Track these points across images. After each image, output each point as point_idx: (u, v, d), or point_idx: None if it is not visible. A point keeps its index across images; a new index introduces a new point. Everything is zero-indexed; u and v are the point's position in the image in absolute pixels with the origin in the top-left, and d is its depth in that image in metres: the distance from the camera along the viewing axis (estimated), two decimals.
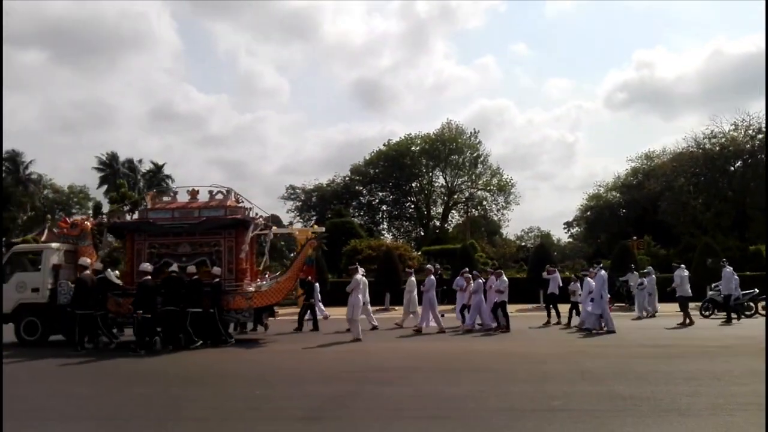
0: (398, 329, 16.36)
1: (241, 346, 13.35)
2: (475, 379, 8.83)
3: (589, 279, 15.73)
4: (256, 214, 14.91)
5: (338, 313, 18.93)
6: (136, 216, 16.21)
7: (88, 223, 14.82)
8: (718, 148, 41.42)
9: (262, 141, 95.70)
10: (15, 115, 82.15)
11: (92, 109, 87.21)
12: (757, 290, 18.94)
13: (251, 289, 14.00)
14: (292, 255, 14.46)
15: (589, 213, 52.90)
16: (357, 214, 56.03)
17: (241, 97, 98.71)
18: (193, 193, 14.95)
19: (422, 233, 55.74)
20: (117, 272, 15.79)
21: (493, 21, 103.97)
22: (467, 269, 17.51)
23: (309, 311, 16.99)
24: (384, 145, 56.39)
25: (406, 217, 58.70)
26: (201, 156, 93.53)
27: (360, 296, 14.09)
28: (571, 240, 65.46)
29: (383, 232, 56.61)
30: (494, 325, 15.56)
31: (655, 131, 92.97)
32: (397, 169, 54.19)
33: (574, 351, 11.63)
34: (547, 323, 17.02)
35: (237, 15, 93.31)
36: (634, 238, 36.15)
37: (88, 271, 13.19)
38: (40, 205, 51.76)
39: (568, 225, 62.58)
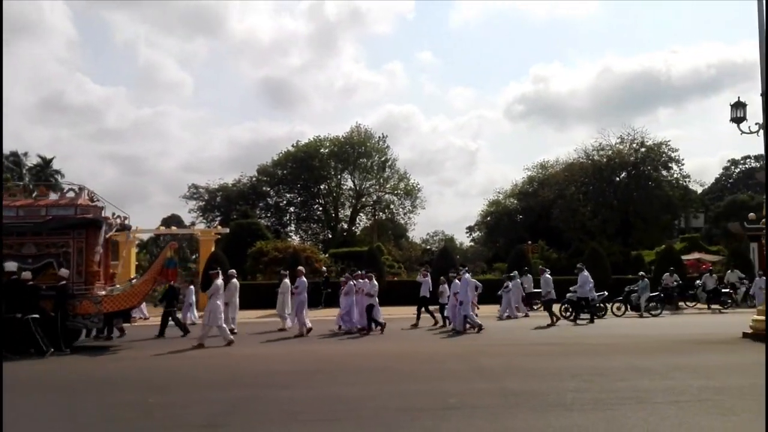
0: (282, 332, 16.17)
1: (110, 353, 12.70)
2: (373, 379, 8.91)
3: (456, 281, 16.29)
4: (113, 214, 14.43)
5: (241, 316, 18.39)
6: None
7: None
8: (605, 160, 44.62)
9: (163, 137, 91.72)
10: None
11: None
12: (606, 293, 20.46)
13: (102, 293, 13.37)
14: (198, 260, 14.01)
15: (489, 218, 55.10)
16: (264, 215, 54.99)
17: (140, 90, 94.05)
18: (42, 191, 14.26)
19: (330, 235, 55.62)
20: None
21: (401, 28, 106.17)
22: (353, 273, 17.72)
23: (170, 317, 16.04)
24: (292, 146, 55.87)
25: (314, 219, 58.34)
26: (95, 150, 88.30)
27: (219, 301, 13.70)
28: (473, 244, 67.94)
29: (291, 234, 55.96)
30: (360, 326, 15.86)
31: (550, 142, 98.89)
32: (306, 170, 53.77)
33: (472, 350, 12.05)
34: (415, 325, 17.60)
35: (136, 6, 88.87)
36: (529, 242, 38.14)
37: None
38: None
39: (470, 229, 64.90)
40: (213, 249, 27.42)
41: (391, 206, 57.63)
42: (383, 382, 8.56)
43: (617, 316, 20.31)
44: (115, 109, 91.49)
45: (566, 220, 43.43)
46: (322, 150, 54.92)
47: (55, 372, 10.39)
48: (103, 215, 13.79)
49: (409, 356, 11.48)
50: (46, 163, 54.49)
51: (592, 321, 17.94)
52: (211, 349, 12.78)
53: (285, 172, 55.09)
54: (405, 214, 57.97)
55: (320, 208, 57.72)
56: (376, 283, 16.27)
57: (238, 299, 15.71)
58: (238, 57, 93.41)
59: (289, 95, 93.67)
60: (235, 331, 15.48)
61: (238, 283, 14.01)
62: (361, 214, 58.21)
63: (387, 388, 8.01)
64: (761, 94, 12.37)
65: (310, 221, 58.40)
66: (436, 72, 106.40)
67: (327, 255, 36.43)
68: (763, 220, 17.84)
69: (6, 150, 52.46)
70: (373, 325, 15.79)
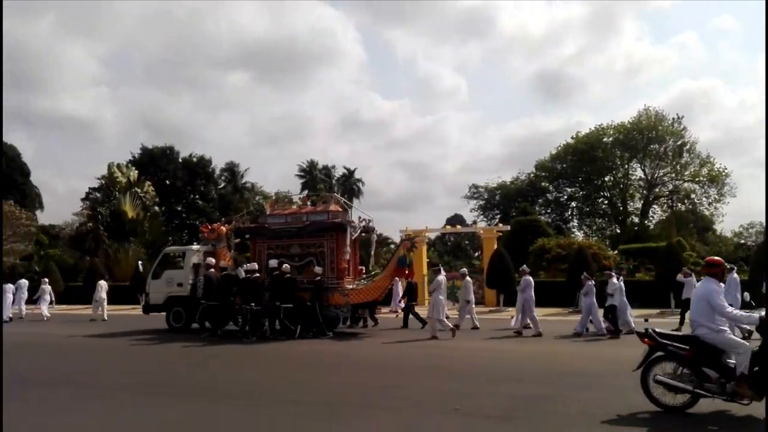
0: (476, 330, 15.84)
1: (363, 338, 14.23)
2: None
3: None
4: (359, 217, 16.34)
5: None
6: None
7: (224, 228, 16.79)
8: None
9: (443, 141, 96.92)
10: (229, 131, 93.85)
11: (291, 123, 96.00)
12: None
13: (349, 286, 15.06)
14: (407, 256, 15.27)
15: None
16: (544, 211, 53.92)
17: (421, 100, 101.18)
18: (305, 200, 16.70)
19: (618, 230, 51.68)
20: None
21: None
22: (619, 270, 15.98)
23: (410, 311, 16.98)
24: (572, 137, 53.48)
25: (599, 213, 54.93)
26: (386, 159, 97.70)
27: (441, 296, 14.27)
28: None
29: (573, 229, 53.64)
30: (604, 327, 14.50)
31: None
32: (588, 162, 50.96)
33: None
34: (678, 330, 14.85)
35: (414, 20, 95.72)
36: None
37: (212, 270, 15.10)
38: (253, 210, 58.32)
39: None
40: (495, 247, 27.76)
41: (692, 195, 50.77)
42: None
43: None
44: (400, 120, 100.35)
45: None
46: (605, 139, 51.37)
47: (341, 353, 11.93)
48: (348, 219, 15.55)
49: None
50: (350, 173, 62.67)
51: None
52: (490, 343, 13.22)
53: (564, 165, 53.12)
54: (710, 203, 50.49)
55: (606, 202, 54.07)
56: (615, 281, 14.73)
57: (441, 296, 15.60)
58: (509, 54, 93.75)
59: (564, 85, 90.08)
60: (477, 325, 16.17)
61: (443, 279, 14.75)
62: (655, 206, 52.65)
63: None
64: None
65: (594, 216, 55.20)
66: (740, 37, 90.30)
67: (616, 251, 33.79)
68: None
69: (320, 164, 61.97)
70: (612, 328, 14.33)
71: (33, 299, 21.74)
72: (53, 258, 35.75)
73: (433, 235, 50.13)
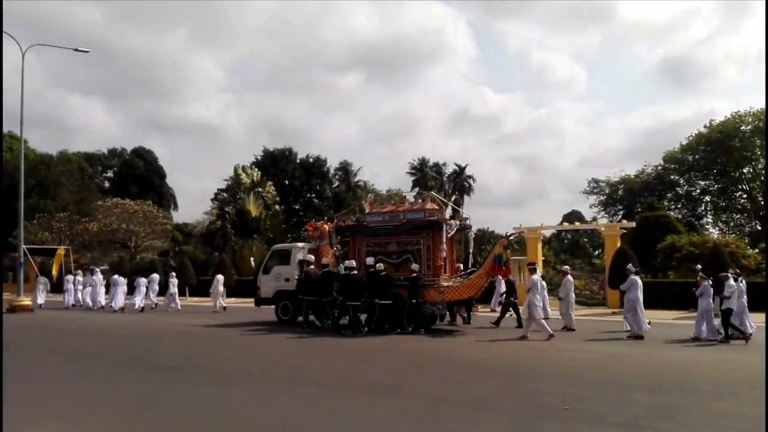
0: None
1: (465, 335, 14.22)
2: None
3: None
4: (457, 215, 16.52)
5: (652, 316, 16.88)
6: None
7: (326, 227, 17.23)
8: None
9: (558, 134, 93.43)
10: (343, 131, 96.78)
11: (401, 121, 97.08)
12: None
13: (445, 284, 15.02)
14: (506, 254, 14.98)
15: None
16: (673, 206, 50.03)
17: (534, 92, 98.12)
18: (401, 199, 16.91)
19: (759, 227, 46.71)
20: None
21: None
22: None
23: (512, 308, 16.66)
24: (704, 126, 49.10)
25: (737, 208, 50.00)
26: (497, 155, 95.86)
27: (538, 296, 14.00)
28: None
29: (707, 226, 49.25)
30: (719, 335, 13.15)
31: None
32: (724, 153, 46.54)
33: None
34: None
35: (527, 9, 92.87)
36: None
37: (312, 266, 15.74)
38: (353, 208, 59.62)
39: None
40: (618, 244, 26.12)
41: None
42: None
43: None
44: (512, 114, 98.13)
45: None
46: (743, 127, 46.64)
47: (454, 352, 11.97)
48: (444, 217, 15.48)
49: None
50: (461, 170, 62.08)
51: None
52: (598, 345, 12.64)
53: (697, 157, 48.89)
54: None
55: (744, 196, 49.10)
56: (732, 283, 13.10)
57: (538, 296, 14.63)
58: (632, 40, 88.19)
59: (693, 71, 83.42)
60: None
61: (538, 279, 14.46)
62: None
63: None
64: None
65: (731, 211, 50.32)
66: None
67: (756, 250, 30.56)
68: None
69: (430, 162, 61.92)
70: (730, 332, 12.93)
71: (171, 293, 23.60)
72: (186, 254, 38.80)
73: (548, 233, 48.29)
